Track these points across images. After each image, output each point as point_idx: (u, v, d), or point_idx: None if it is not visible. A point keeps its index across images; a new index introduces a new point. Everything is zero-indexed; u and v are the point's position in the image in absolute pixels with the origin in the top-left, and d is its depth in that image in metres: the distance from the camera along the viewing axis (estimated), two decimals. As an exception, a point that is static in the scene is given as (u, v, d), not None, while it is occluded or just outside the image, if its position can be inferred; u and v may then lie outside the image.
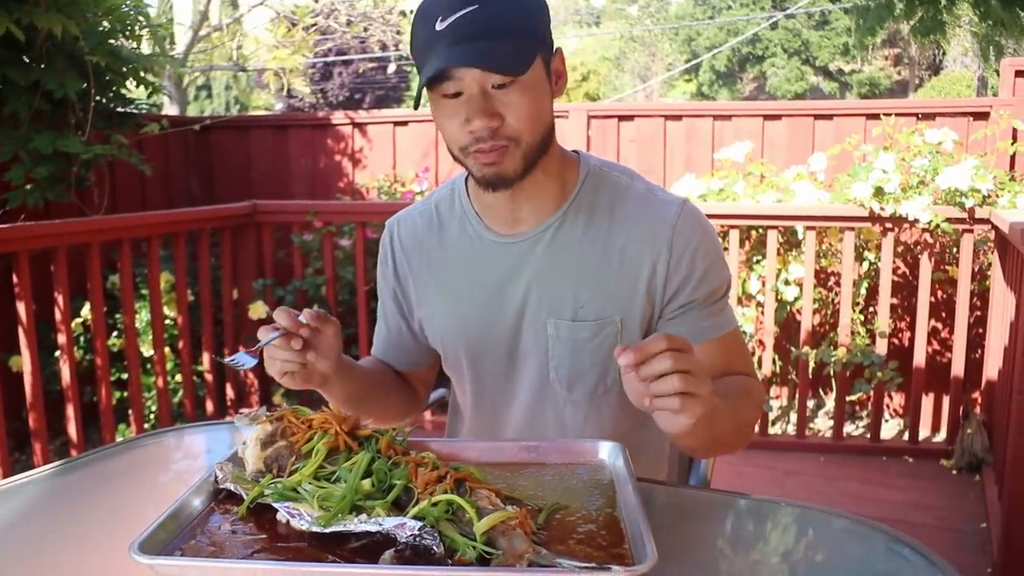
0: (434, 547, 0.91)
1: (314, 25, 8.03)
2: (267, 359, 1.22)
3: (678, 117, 4.66)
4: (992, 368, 3.59)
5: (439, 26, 1.17)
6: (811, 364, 3.80)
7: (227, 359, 1.22)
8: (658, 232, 1.33)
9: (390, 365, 1.55)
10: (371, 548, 0.93)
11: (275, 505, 1.02)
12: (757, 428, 3.71)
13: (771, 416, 4.10)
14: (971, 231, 3.56)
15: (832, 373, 3.89)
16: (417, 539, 0.91)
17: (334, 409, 1.14)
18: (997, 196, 3.52)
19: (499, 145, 1.22)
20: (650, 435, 1.49)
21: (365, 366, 1.50)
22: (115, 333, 3.99)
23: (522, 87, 1.21)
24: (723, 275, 1.37)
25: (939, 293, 4.04)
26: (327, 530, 0.95)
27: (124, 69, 3.94)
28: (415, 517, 0.94)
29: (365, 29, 8.67)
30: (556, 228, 1.36)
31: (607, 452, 1.19)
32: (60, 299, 3.18)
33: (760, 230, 3.85)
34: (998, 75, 4.21)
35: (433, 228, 1.46)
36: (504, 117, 1.21)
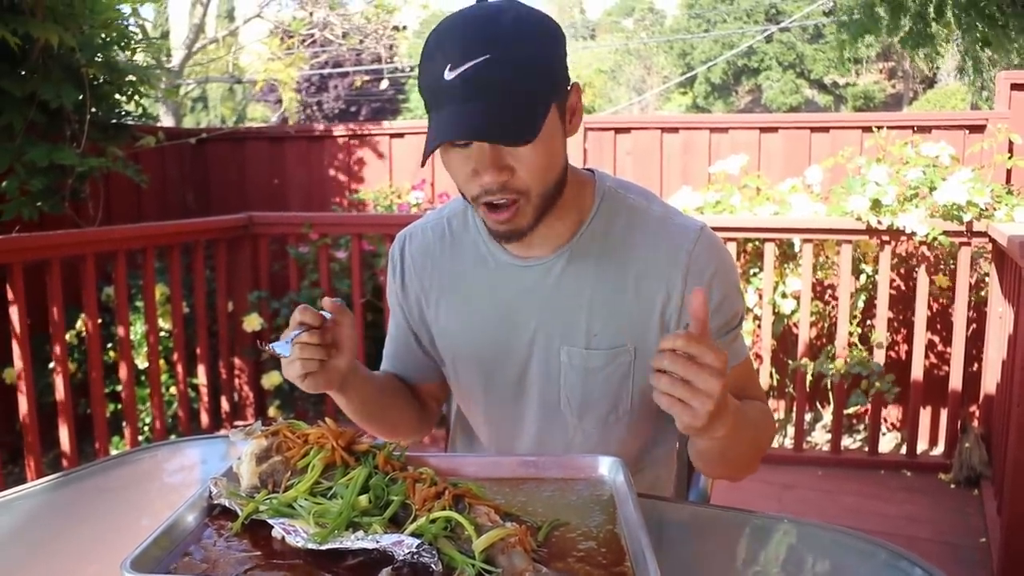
0: (432, 565, 0.89)
1: (310, 38, 8.04)
2: (286, 362, 1.20)
3: (675, 130, 4.67)
4: (990, 381, 3.58)
5: (448, 75, 1.10)
6: (808, 376, 3.79)
7: (267, 346, 1.20)
8: (674, 260, 1.30)
9: (401, 378, 1.52)
10: (368, 566, 0.92)
11: (270, 522, 1.00)
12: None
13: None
14: (968, 244, 3.56)
15: (830, 385, 3.88)
16: (415, 556, 0.90)
17: (331, 423, 1.12)
18: (994, 209, 3.52)
19: (510, 199, 1.18)
20: (655, 461, 1.48)
21: (378, 375, 1.48)
22: (109, 345, 3.97)
23: (533, 143, 1.16)
24: (736, 306, 1.34)
25: (935, 306, 4.04)
26: (323, 547, 0.94)
27: (120, 81, 3.93)
28: (413, 534, 0.93)
29: (360, 42, 8.69)
30: (570, 254, 1.33)
31: (607, 468, 1.18)
32: (54, 311, 3.16)
33: (757, 243, 3.85)
34: (982, 91, 4.24)
35: (445, 244, 1.42)
36: (514, 170, 1.17)
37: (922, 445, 4.00)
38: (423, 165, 1.19)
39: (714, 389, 0.98)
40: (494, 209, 1.20)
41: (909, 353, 3.82)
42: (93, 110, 3.80)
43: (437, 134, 1.12)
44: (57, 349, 3.20)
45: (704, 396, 0.99)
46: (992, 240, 3.44)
